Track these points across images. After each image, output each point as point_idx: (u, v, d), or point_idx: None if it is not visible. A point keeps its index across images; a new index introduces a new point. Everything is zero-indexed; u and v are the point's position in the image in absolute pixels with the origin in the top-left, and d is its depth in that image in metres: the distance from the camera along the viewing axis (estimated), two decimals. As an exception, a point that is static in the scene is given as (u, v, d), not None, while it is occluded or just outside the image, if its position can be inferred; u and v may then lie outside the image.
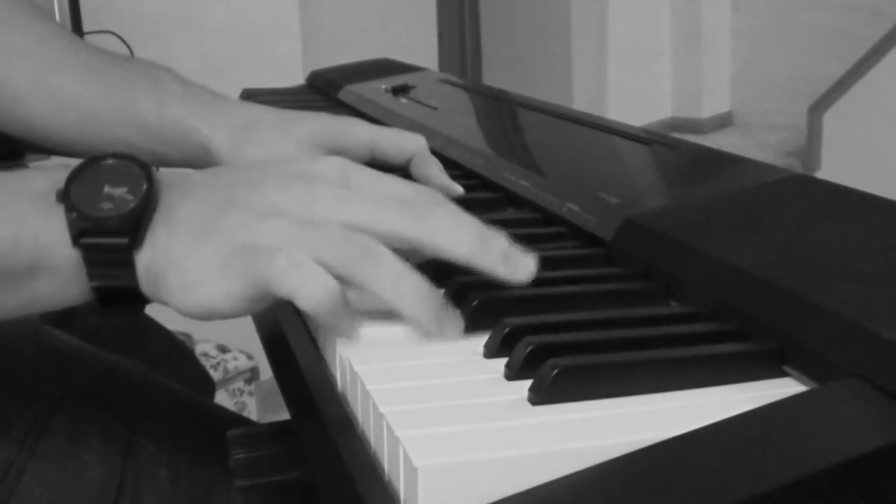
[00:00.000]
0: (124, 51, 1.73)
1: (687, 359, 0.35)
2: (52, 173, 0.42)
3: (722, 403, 0.32)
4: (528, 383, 0.33)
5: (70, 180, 0.41)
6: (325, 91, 1.08)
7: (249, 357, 1.88)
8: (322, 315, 0.38)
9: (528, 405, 0.33)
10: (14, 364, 0.55)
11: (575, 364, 0.33)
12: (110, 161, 0.42)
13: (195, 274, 0.40)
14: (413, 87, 0.95)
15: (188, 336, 1.70)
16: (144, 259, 0.41)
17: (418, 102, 0.88)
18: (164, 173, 0.43)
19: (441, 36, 2.70)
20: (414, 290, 0.38)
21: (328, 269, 0.38)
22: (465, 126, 0.82)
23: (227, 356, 1.85)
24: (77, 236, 0.40)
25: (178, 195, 0.42)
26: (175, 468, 0.53)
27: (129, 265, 0.40)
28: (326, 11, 2.24)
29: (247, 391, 1.88)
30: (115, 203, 0.40)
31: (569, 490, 0.27)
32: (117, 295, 0.41)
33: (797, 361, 0.35)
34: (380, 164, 0.58)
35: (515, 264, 0.40)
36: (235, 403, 1.84)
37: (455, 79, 1.06)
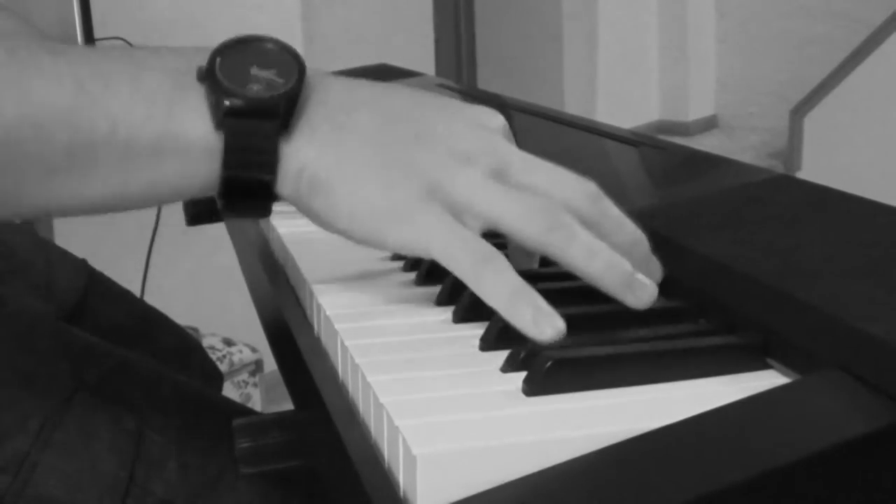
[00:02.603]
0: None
1: (674, 352, 0.36)
2: (187, 53, 0.38)
3: (708, 395, 0.33)
4: (522, 375, 0.34)
5: (214, 58, 0.37)
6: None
7: (254, 350, 1.89)
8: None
9: (523, 396, 0.33)
10: (29, 359, 0.55)
11: (567, 357, 0.34)
12: (258, 42, 0.39)
13: (385, 205, 0.37)
14: (409, 91, 0.95)
15: (195, 330, 1.69)
16: (297, 156, 0.37)
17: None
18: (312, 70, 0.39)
19: (437, 42, 2.71)
20: (606, 262, 0.38)
21: (526, 236, 0.38)
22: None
23: (233, 349, 1.86)
24: (222, 116, 0.36)
25: (347, 97, 0.38)
26: (184, 459, 0.53)
27: (272, 153, 0.36)
28: (327, 19, 2.25)
29: (251, 383, 1.89)
30: (263, 85, 0.37)
31: (562, 476, 0.28)
32: (246, 189, 0.37)
33: (780, 354, 0.36)
34: None
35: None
36: (240, 395, 1.85)
37: (451, 83, 1.07)
